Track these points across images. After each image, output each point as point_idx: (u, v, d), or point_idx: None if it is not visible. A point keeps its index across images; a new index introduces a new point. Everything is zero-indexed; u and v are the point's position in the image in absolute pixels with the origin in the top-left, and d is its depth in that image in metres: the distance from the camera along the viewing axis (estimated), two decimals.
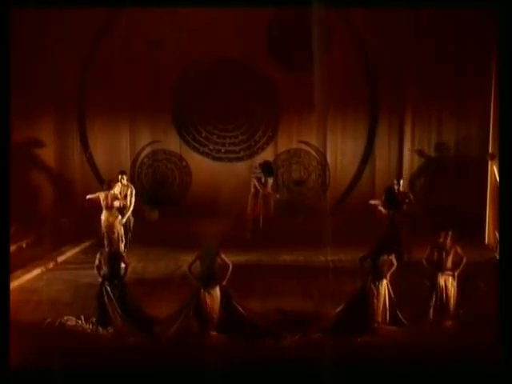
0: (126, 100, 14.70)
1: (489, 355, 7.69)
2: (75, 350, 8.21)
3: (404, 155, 14.89)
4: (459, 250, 9.07)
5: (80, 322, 8.90)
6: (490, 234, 12.80)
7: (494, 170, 12.65)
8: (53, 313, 9.34)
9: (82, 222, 13.93)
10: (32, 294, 10.22)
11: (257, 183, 13.25)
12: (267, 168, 13.51)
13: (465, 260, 9.03)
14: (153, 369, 7.84)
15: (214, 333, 8.54)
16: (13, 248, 11.13)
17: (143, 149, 15.24)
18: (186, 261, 11.74)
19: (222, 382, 7.49)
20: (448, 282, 8.92)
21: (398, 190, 12.01)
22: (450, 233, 9.02)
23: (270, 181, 13.40)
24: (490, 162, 12.91)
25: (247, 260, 11.92)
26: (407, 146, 14.87)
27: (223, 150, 15.26)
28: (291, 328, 8.61)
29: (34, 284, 10.84)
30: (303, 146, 15.14)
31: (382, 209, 11.73)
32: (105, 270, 8.87)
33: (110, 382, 7.69)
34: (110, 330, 8.66)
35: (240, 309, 8.71)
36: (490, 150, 12.88)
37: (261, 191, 13.17)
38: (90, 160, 15.12)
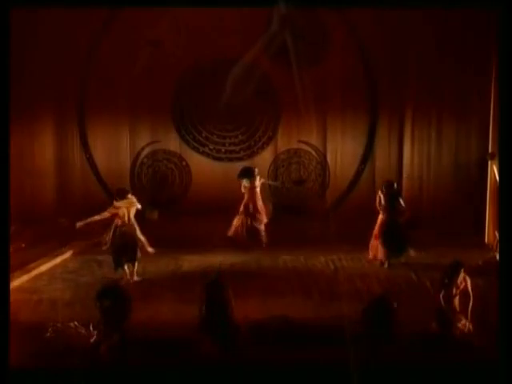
0: (126, 100, 14.71)
1: (489, 355, 7.70)
2: (75, 350, 8.20)
3: (404, 155, 14.89)
4: (469, 285, 8.49)
5: (83, 330, 8.76)
6: (490, 233, 12.80)
7: (493, 169, 12.66)
8: (53, 313, 9.35)
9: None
10: (32, 294, 10.23)
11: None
12: (241, 173, 13.23)
13: (472, 301, 8.43)
14: (153, 369, 7.85)
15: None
16: (13, 248, 11.13)
17: (143, 149, 15.23)
18: (187, 260, 11.85)
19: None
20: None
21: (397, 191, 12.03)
22: (462, 271, 8.44)
23: (244, 182, 13.06)
24: (489, 162, 12.91)
25: (246, 260, 11.94)
26: (407, 145, 14.87)
27: (223, 150, 15.26)
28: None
29: (33, 284, 10.84)
30: (303, 146, 15.14)
31: (382, 199, 11.69)
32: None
33: (111, 382, 7.70)
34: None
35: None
36: (490, 150, 12.88)
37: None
38: (90, 160, 15.12)
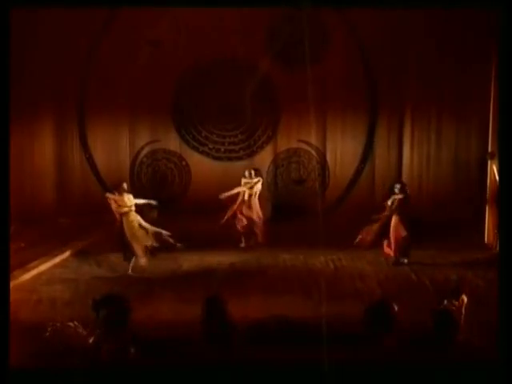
0: (126, 100, 14.71)
1: (489, 355, 7.70)
2: (75, 349, 8.20)
3: (404, 155, 14.89)
4: (464, 304, 8.53)
5: (80, 329, 8.74)
6: (490, 233, 12.80)
7: (493, 169, 12.65)
8: (52, 312, 9.34)
9: (81, 222, 13.97)
10: (31, 294, 10.22)
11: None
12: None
13: (463, 316, 8.48)
14: (153, 369, 7.84)
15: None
16: (13, 248, 11.13)
17: (143, 148, 15.25)
18: (187, 260, 11.85)
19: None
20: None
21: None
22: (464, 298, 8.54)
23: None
24: (489, 162, 12.91)
25: (245, 260, 11.93)
26: (407, 145, 14.88)
27: (223, 150, 15.27)
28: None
29: (33, 283, 10.83)
30: (303, 146, 15.14)
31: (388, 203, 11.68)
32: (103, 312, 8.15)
33: (111, 382, 7.69)
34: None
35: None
36: (490, 150, 12.88)
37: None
38: (90, 159, 15.12)
